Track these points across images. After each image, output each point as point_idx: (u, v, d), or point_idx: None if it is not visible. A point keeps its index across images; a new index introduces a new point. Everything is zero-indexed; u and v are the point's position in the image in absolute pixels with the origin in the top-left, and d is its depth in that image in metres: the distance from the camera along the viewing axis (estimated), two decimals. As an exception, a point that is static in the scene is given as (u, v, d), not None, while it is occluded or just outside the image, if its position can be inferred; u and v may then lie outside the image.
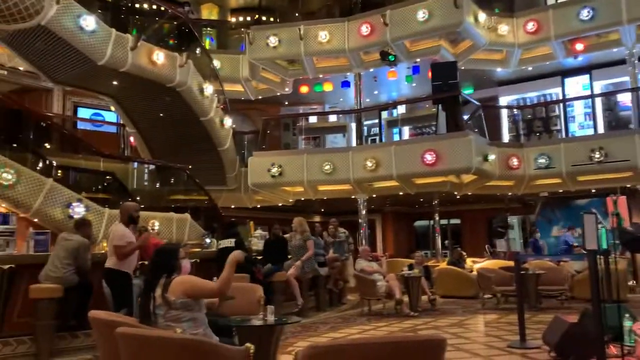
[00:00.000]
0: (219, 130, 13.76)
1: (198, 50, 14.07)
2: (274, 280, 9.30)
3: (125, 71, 10.74)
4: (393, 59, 14.56)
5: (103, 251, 7.60)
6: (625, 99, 15.07)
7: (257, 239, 11.41)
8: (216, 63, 15.16)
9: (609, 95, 15.66)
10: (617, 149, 12.45)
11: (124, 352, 3.16)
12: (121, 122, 14.72)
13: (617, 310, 5.39)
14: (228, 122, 14.22)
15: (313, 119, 18.71)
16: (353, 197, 14.43)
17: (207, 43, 17.18)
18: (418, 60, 15.62)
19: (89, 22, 9.78)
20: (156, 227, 9.83)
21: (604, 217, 7.34)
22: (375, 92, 18.25)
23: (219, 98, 13.97)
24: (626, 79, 14.35)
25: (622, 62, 14.42)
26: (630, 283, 12.87)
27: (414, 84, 17.35)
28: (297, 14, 18.42)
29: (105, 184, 11.32)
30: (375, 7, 15.06)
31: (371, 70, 16.00)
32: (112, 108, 13.88)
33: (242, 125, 18.07)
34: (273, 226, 10.62)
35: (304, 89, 18.07)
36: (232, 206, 15.62)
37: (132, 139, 14.72)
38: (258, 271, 8.75)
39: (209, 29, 17.98)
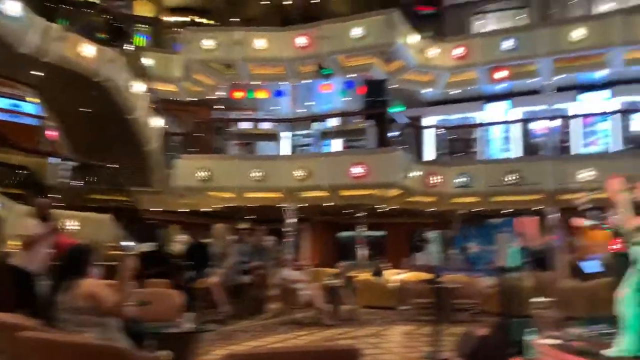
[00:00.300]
0: (146, 130, 13.39)
1: (130, 47, 13.66)
2: (195, 286, 9.14)
3: (49, 61, 10.25)
4: (328, 72, 14.82)
5: (9, 250, 7.17)
6: (539, 126, 16.10)
7: (179, 243, 11.16)
8: (149, 61, 14.77)
9: (525, 122, 16.66)
10: (530, 173, 13.31)
11: (30, 357, 3.02)
12: (42, 114, 13.98)
13: (521, 324, 5.74)
14: (156, 121, 13.87)
15: (245, 125, 18.60)
16: (282, 205, 14.47)
17: (141, 40, 16.71)
18: (352, 75, 15.97)
19: (13, 7, 9.27)
20: (71, 226, 9.39)
21: (514, 238, 7.82)
22: (309, 103, 18.44)
23: (150, 97, 13.61)
24: (542, 107, 15.38)
25: (537, 91, 15.44)
26: (536, 299, 13.70)
27: (347, 98, 17.70)
28: (235, 19, 18.32)
29: (19, 179, 10.71)
30: (314, 19, 15.30)
31: (306, 81, 16.18)
32: (32, 99, 13.17)
33: (172, 126, 17.65)
34: (197, 231, 10.45)
35: (238, 95, 17.95)
36: (157, 209, 15.18)
37: (52, 132, 14.01)
38: (179, 277, 8.57)
39: (143, 26, 17.49)
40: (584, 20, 14.36)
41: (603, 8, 15.32)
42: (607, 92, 15.43)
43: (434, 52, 15.45)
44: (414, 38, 14.91)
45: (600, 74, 14.95)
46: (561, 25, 14.49)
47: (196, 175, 13.55)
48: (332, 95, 17.64)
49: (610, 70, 14.56)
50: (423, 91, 16.57)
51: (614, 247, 5.69)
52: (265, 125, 19.43)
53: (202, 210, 15.80)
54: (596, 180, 12.47)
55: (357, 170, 12.76)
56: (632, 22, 13.37)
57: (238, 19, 18.16)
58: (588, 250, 11.34)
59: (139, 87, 12.67)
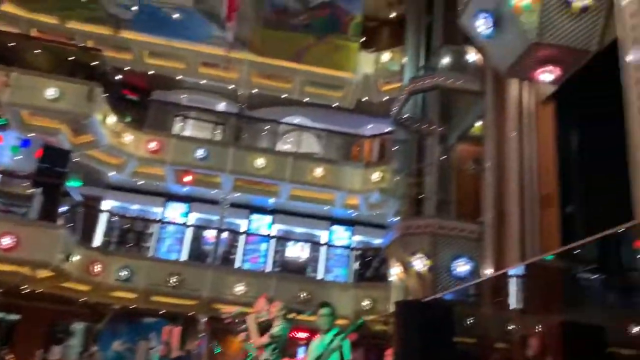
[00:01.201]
0: None
1: None
2: None
3: None
4: (2, 123, 13.02)
5: None
6: (210, 235, 16.99)
7: None
8: None
9: (198, 228, 17.38)
10: (192, 278, 13.72)
11: None
12: None
13: None
14: None
15: None
16: None
17: None
18: (32, 135, 14.36)
19: None
20: None
21: (159, 344, 7.73)
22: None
23: None
24: (216, 217, 16.41)
25: (216, 202, 16.52)
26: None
27: (18, 157, 15.65)
28: None
29: None
30: (8, 62, 13.55)
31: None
32: None
33: None
34: None
35: None
36: None
37: None
38: None
39: None
40: (266, 152, 16.39)
41: (284, 147, 17.86)
42: (270, 218, 17.57)
43: (129, 138, 15.24)
44: (112, 118, 14.53)
45: (271, 201, 17.01)
46: (248, 150, 16.21)
47: None
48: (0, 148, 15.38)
49: (276, 200, 16.71)
50: (110, 173, 15.93)
51: None
52: None
53: None
54: (248, 295, 13.63)
55: (6, 240, 11.07)
56: (299, 165, 15.86)
57: None
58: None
59: None
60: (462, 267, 7.43)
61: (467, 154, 9.23)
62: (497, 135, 7.40)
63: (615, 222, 3.88)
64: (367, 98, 17.58)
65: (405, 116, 9.86)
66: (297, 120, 18.64)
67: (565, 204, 6.18)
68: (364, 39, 17.27)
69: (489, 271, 7.07)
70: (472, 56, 8.57)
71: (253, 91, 17.71)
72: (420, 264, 7.58)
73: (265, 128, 18.12)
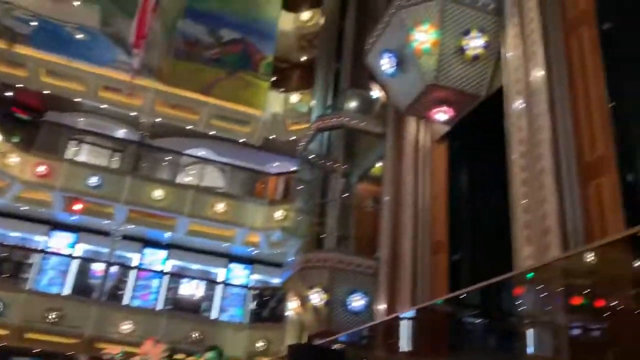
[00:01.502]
0: None
1: None
2: None
3: None
4: None
5: None
6: (98, 268, 15.90)
7: None
8: None
9: (86, 261, 16.20)
10: (74, 314, 12.66)
11: None
12: None
13: None
14: None
15: None
16: None
17: None
18: None
19: None
20: None
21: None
22: None
23: None
24: (105, 250, 15.42)
25: (107, 233, 15.56)
26: None
27: None
28: None
29: None
30: None
31: None
32: None
33: None
34: None
35: None
36: None
37: None
38: None
39: None
40: (165, 183, 15.82)
41: (186, 179, 17.35)
42: (165, 253, 16.81)
43: (15, 159, 14.09)
44: (-3, 137, 13.41)
45: (167, 235, 16.30)
46: (147, 181, 15.56)
47: None
48: None
49: (173, 234, 16.04)
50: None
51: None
52: None
53: None
54: (134, 334, 12.79)
55: None
56: (200, 199, 15.44)
57: None
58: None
59: None
60: (357, 301, 7.50)
61: (368, 193, 9.61)
62: (395, 175, 7.73)
63: (498, 271, 4.10)
64: (274, 136, 17.68)
65: (311, 154, 10.06)
66: (201, 152, 18.28)
67: (454, 251, 6.47)
68: (274, 78, 17.49)
69: (382, 306, 7.21)
70: (376, 94, 9.06)
71: (157, 120, 17.18)
72: (317, 297, 7.60)
73: (167, 159, 17.57)
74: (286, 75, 18.76)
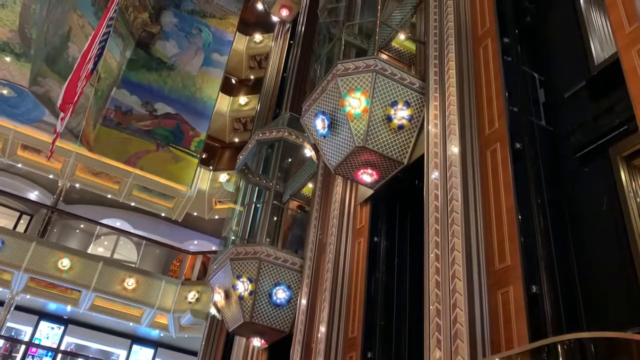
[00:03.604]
0: None
1: None
2: None
3: None
4: None
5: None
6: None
7: None
8: None
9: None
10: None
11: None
12: None
13: None
14: None
15: None
16: None
17: None
18: None
19: None
20: None
21: None
22: None
23: None
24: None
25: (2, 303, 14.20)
26: None
27: None
28: None
29: None
30: None
31: None
32: None
33: None
34: None
35: None
36: None
37: None
38: None
39: None
40: (74, 253, 14.78)
41: (98, 250, 16.39)
42: (62, 328, 15.46)
43: None
44: None
45: (67, 309, 15.03)
46: (53, 248, 14.43)
47: None
48: None
49: (74, 309, 14.78)
50: None
51: None
52: None
53: None
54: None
55: None
56: (109, 272, 14.42)
57: None
58: None
59: None
60: (281, 294, 8.01)
61: (297, 206, 10.19)
62: (318, 255, 8.01)
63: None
64: (196, 213, 17.31)
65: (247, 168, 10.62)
66: (117, 223, 17.49)
67: (367, 349, 6.42)
68: (205, 155, 17.45)
69: (304, 301, 7.72)
70: (308, 153, 9.64)
71: (75, 185, 16.42)
72: (242, 287, 7.95)
73: (80, 226, 16.64)
74: (217, 154, 18.79)
